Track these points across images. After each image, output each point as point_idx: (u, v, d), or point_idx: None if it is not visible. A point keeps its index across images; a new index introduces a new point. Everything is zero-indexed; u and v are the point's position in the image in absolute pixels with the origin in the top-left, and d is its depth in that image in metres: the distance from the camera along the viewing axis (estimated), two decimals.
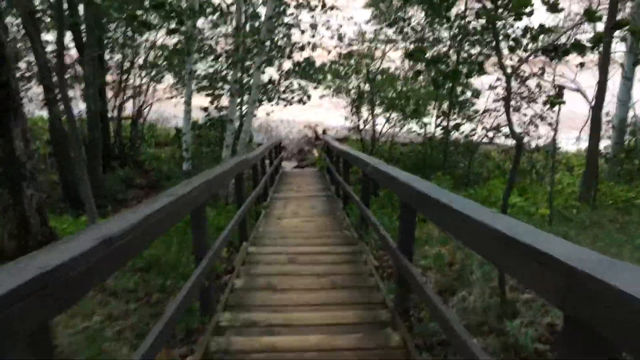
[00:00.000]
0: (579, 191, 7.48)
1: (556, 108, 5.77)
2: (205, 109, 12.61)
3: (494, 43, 5.39)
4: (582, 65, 5.40)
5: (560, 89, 4.41)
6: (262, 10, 12.43)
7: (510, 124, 3.51)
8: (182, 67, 13.06)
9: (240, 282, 4.64)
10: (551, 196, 5.08)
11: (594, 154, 7.31)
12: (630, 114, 11.62)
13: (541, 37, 4.74)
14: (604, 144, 13.18)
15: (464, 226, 2.16)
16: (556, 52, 4.24)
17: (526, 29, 4.29)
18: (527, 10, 3.34)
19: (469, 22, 11.18)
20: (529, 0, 3.27)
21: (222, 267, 5.45)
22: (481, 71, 4.92)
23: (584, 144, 15.49)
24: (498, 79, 11.32)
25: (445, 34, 11.92)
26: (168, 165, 16.11)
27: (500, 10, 3.45)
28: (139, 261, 5.34)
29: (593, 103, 7.04)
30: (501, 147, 14.51)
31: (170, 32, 7.66)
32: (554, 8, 4.46)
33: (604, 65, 6.85)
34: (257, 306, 4.04)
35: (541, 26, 4.53)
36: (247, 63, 12.99)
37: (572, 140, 15.21)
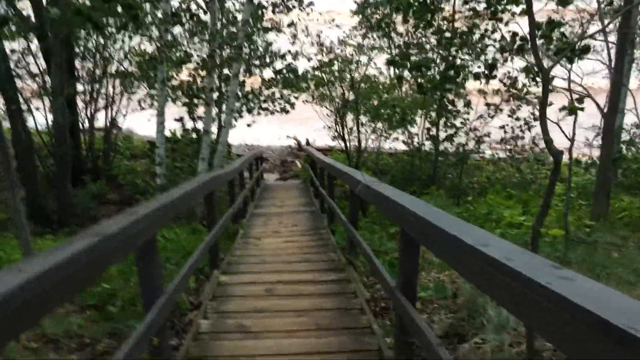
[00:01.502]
0: (591, 206, 6.85)
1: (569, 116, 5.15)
2: (180, 120, 11.83)
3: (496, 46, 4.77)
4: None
5: (581, 96, 3.81)
6: (239, 16, 11.80)
7: (546, 135, 2.85)
8: (155, 76, 12.29)
9: (207, 323, 3.89)
10: (567, 219, 4.46)
11: (607, 166, 6.69)
12: (628, 120, 11.12)
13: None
14: (596, 153, 12.71)
15: (506, 284, 1.47)
16: (573, 52, 3.63)
17: (537, 26, 3.68)
18: None
19: (457, 28, 10.65)
20: None
21: (189, 300, 4.73)
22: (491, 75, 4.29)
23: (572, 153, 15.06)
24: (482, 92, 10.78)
25: (432, 39, 11.35)
26: (144, 179, 15.25)
27: None
28: (89, 297, 4.57)
29: (606, 109, 6.44)
30: (488, 159, 13.97)
31: (121, 28, 6.93)
32: (564, 1, 3.85)
33: (618, 67, 6.25)
34: (225, 358, 3.31)
35: (551, 22, 3.92)
36: (225, 71, 12.30)
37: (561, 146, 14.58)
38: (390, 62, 10.21)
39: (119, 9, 5.67)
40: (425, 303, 4.18)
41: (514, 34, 4.04)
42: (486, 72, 4.45)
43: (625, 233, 5.78)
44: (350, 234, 5.16)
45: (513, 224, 5.94)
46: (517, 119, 11.44)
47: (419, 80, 10.55)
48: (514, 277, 1.40)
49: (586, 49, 3.61)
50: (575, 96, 4.32)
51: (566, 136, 4.11)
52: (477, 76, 4.87)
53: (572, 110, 3.79)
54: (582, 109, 4.01)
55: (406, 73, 12.46)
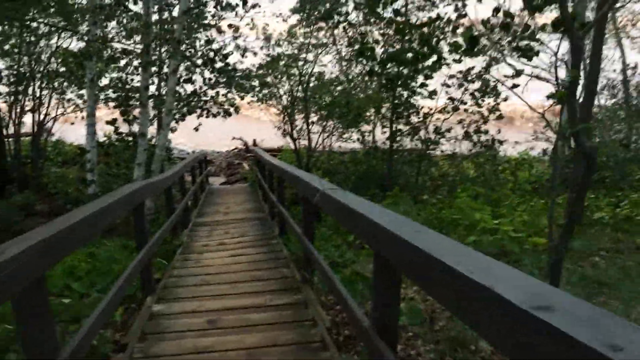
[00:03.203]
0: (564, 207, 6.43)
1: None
2: (113, 122, 10.76)
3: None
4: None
5: (568, 83, 3.29)
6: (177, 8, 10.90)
7: (574, 123, 2.26)
8: (84, 74, 11.20)
9: None
10: (552, 225, 3.90)
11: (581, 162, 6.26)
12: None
13: None
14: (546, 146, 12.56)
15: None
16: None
17: None
18: None
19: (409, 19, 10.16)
20: None
21: (113, 339, 3.91)
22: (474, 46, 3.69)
23: (522, 147, 14.88)
24: (451, 76, 10.41)
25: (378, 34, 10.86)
26: (76, 187, 14.03)
27: None
28: None
29: (582, 98, 6.03)
30: (442, 156, 13.60)
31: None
32: None
33: (596, 51, 5.78)
34: None
35: None
36: (163, 69, 11.38)
37: (511, 143, 14.20)
38: (360, 54, 9.56)
39: None
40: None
41: (496, 9, 3.48)
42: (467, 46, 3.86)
43: (611, 237, 5.34)
44: (306, 249, 4.47)
45: (487, 230, 5.41)
46: (476, 113, 11.16)
47: (379, 74, 9.95)
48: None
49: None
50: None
51: (551, 128, 3.57)
52: (457, 46, 4.29)
53: (561, 97, 3.25)
54: (565, 96, 3.49)
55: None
